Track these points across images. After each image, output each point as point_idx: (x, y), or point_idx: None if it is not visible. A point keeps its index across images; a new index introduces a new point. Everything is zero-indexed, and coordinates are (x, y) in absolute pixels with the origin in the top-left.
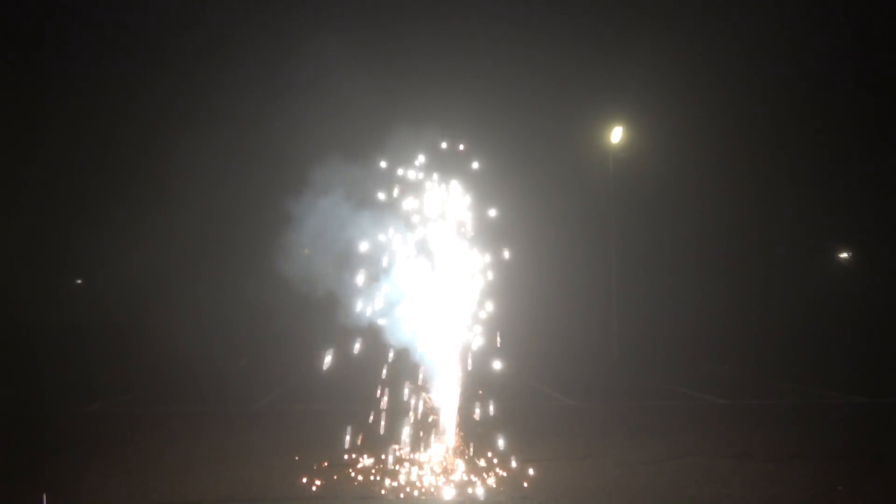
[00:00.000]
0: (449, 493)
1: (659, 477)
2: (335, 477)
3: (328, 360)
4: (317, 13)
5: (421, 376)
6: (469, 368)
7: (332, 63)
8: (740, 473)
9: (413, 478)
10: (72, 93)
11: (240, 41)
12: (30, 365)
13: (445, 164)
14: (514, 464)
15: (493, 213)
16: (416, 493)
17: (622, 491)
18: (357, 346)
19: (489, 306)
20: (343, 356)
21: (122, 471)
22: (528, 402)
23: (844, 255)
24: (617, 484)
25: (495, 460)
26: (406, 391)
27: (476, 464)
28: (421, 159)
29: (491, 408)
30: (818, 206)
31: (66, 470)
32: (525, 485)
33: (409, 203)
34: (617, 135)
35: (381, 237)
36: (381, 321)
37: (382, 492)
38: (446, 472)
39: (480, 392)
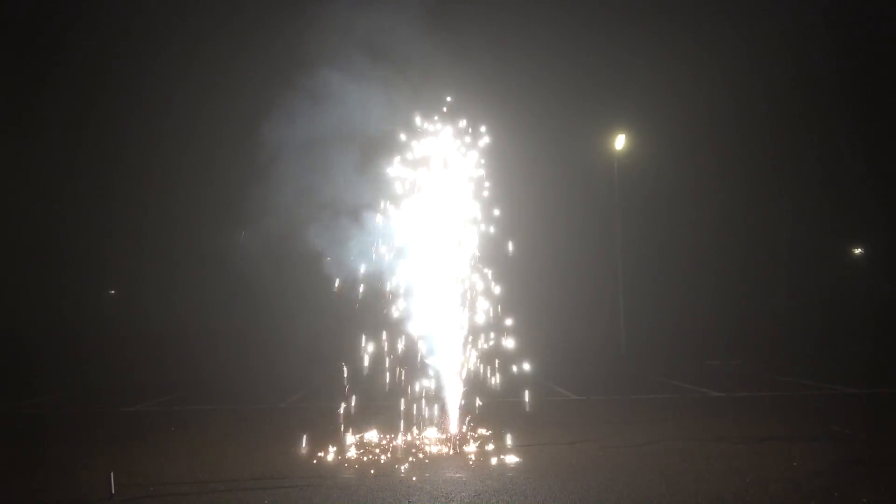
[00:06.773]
0: (445, 472)
1: (635, 457)
2: (348, 459)
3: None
4: None
5: (429, 372)
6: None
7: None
8: (710, 453)
9: (415, 460)
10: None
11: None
12: (78, 368)
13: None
14: (509, 447)
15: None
16: (417, 474)
17: (601, 469)
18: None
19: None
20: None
21: (170, 456)
22: (532, 396)
23: (858, 250)
24: (597, 463)
25: (492, 446)
26: (414, 384)
27: (473, 448)
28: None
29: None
30: (827, 202)
31: (122, 456)
32: (515, 464)
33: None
34: (621, 141)
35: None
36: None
37: (388, 469)
38: (444, 455)
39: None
